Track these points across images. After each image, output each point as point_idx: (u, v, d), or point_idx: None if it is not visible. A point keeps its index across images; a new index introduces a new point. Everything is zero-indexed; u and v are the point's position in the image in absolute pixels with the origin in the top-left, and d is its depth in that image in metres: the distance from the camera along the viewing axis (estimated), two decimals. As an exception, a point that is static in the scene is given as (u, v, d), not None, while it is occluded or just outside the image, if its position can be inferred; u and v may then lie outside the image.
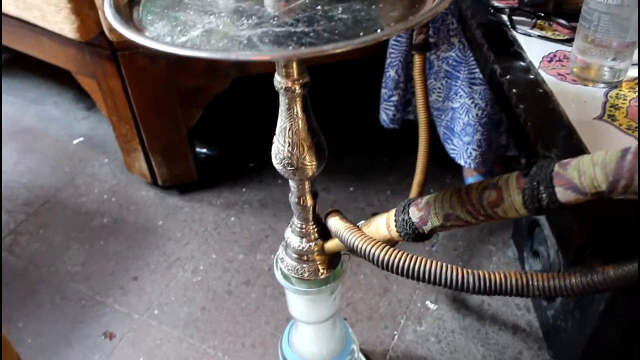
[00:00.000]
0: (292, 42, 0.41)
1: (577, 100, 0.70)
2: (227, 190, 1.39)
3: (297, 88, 0.54)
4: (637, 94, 0.71)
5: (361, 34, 0.42)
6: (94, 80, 1.27)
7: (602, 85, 0.73)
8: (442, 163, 1.32)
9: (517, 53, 0.80)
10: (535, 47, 0.81)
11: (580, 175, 0.41)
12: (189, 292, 1.15)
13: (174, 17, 0.47)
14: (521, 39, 0.83)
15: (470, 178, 1.30)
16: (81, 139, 1.63)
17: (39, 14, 1.16)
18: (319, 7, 0.46)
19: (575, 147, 0.62)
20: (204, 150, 1.53)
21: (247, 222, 1.29)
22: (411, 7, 0.46)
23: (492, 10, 0.89)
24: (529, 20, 0.86)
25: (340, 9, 0.46)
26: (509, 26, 0.86)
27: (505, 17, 0.88)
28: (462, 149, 1.20)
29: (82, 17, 1.10)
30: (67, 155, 1.57)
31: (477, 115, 1.14)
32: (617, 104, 0.69)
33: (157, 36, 0.45)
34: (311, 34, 0.42)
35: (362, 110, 1.52)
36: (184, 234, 1.28)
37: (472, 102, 1.13)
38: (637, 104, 0.69)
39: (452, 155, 1.24)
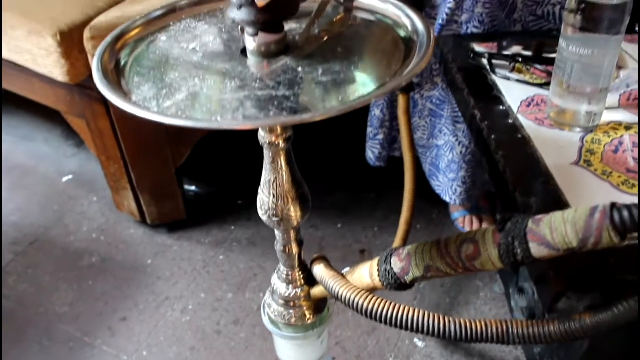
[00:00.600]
0: (273, 107, 0.43)
1: (555, 146, 0.72)
2: (216, 228, 1.39)
3: (281, 142, 0.55)
4: (611, 138, 0.73)
5: (340, 97, 0.44)
6: (83, 120, 1.29)
7: (578, 129, 0.75)
8: (428, 198, 1.33)
9: (496, 97, 0.82)
10: (514, 91, 0.84)
11: (552, 232, 0.43)
12: (178, 332, 1.15)
13: (160, 79, 0.49)
14: (500, 83, 0.86)
15: (457, 213, 1.31)
16: (70, 176, 1.63)
17: (29, 58, 1.18)
18: (299, 69, 0.48)
19: (552, 194, 0.63)
20: (193, 187, 1.54)
21: (236, 260, 1.30)
22: (388, 68, 0.48)
23: (472, 55, 0.91)
24: (508, 64, 0.89)
25: (320, 70, 0.47)
26: (489, 70, 0.89)
27: (485, 61, 0.90)
28: (448, 185, 1.22)
29: (72, 61, 1.11)
30: (57, 193, 1.58)
31: (461, 152, 1.16)
32: (593, 149, 0.71)
33: (143, 99, 0.46)
34: (292, 97, 0.44)
35: (349, 146, 1.53)
36: (173, 273, 1.28)
37: (456, 140, 1.16)
38: (611, 148, 0.71)
39: (437, 192, 1.26)
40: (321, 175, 1.51)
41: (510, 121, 0.77)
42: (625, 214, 0.40)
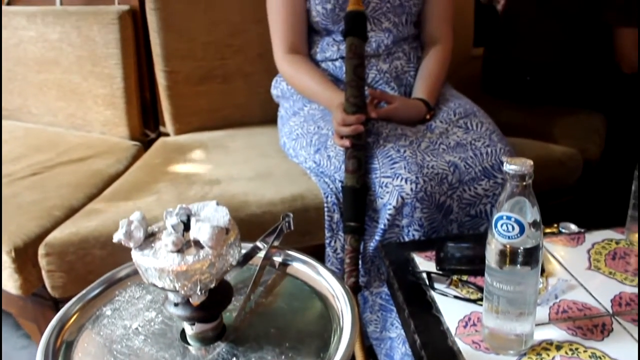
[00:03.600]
0: None
1: (491, 375, 0.75)
2: None
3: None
4: (544, 362, 0.77)
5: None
6: (35, 324, 1.28)
7: (511, 352, 0.78)
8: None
9: (435, 317, 0.86)
10: (451, 309, 0.87)
11: None
12: None
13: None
14: (439, 300, 0.90)
15: (415, 404, 1.30)
16: (19, 372, 1.58)
17: (-17, 272, 1.19)
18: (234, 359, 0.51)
19: None
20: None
21: None
22: (317, 355, 0.51)
23: (411, 271, 0.97)
24: (445, 278, 0.94)
25: (253, 361, 0.51)
26: (428, 285, 0.93)
27: (424, 275, 0.95)
28: (404, 378, 1.22)
29: (25, 276, 1.13)
30: (3, 394, 1.51)
31: (412, 347, 1.18)
32: (527, 378, 0.74)
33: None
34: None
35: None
36: None
37: (407, 334, 1.18)
38: (544, 375, 0.74)
39: (394, 384, 1.26)
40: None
41: (449, 344, 0.80)
42: None
